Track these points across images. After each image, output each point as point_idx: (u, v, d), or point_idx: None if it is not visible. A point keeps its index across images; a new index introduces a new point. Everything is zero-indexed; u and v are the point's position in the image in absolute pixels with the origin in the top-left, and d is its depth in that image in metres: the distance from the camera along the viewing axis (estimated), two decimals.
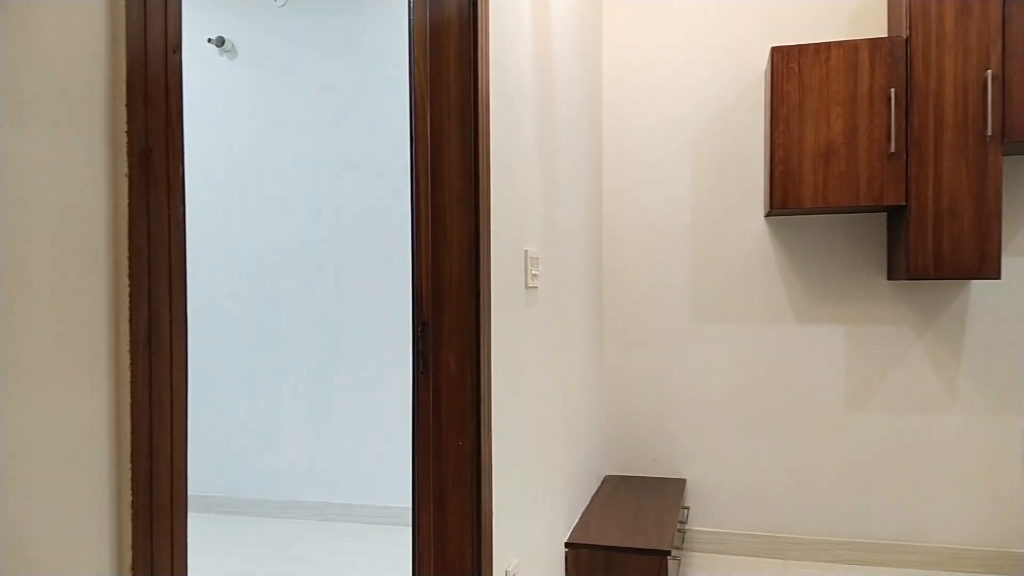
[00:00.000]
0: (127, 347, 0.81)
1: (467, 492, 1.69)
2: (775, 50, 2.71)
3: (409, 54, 1.69)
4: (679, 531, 2.78)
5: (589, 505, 2.85)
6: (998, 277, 2.51)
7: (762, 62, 3.04)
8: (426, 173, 1.68)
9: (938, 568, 2.87)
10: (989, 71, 2.49)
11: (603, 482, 3.14)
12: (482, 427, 1.69)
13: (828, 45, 2.66)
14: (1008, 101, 2.50)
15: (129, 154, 0.82)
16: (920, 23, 2.56)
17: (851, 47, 2.64)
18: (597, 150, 3.13)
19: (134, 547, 0.82)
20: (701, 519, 3.14)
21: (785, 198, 2.72)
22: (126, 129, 0.82)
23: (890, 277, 2.87)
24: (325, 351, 3.48)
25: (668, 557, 2.36)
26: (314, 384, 3.51)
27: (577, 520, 2.68)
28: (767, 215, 3.00)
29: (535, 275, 2.14)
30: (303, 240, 3.50)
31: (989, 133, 2.50)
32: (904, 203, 2.60)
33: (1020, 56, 2.48)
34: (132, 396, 0.82)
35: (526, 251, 2.07)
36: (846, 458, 2.97)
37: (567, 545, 2.47)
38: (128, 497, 0.82)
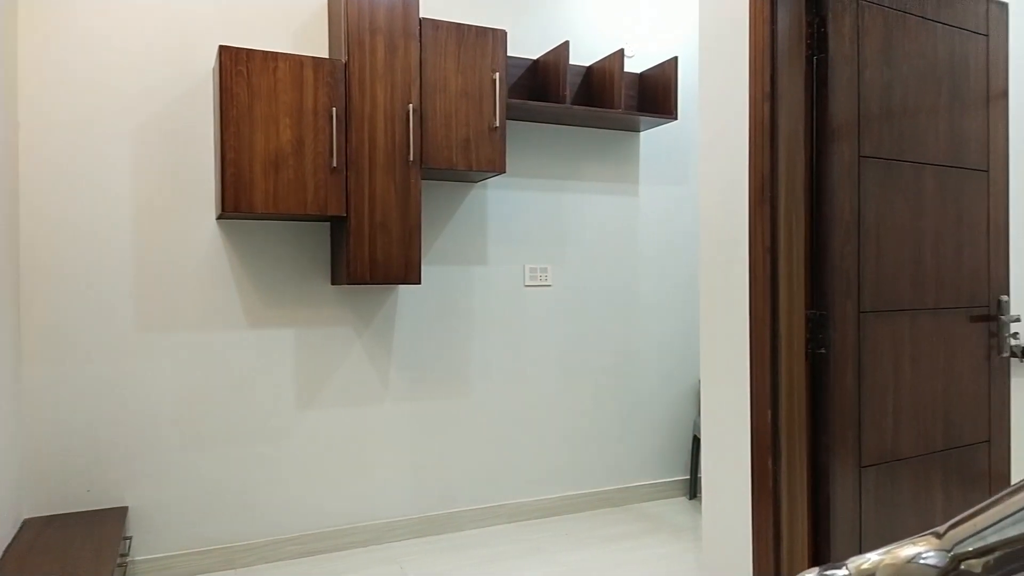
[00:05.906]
0: None
1: None
2: (223, 49, 2.64)
3: None
4: (120, 566, 2.48)
5: (0, 560, 2.32)
6: (419, 282, 2.93)
7: (212, 60, 2.93)
8: None
9: (376, 543, 3.21)
10: (411, 104, 2.88)
11: (22, 528, 2.60)
12: None
13: (276, 55, 2.71)
14: (424, 132, 2.93)
15: None
16: (356, 51, 2.81)
17: (297, 62, 2.74)
18: (10, 141, 2.57)
19: None
20: (146, 547, 2.87)
21: (237, 202, 2.67)
22: None
23: (334, 282, 3.08)
24: None
25: None
26: None
27: None
28: (219, 218, 2.91)
29: None
30: None
31: (411, 158, 2.89)
32: (345, 215, 2.82)
33: (432, 96, 2.94)
34: None
35: None
36: (296, 456, 3.09)
37: None
38: None
